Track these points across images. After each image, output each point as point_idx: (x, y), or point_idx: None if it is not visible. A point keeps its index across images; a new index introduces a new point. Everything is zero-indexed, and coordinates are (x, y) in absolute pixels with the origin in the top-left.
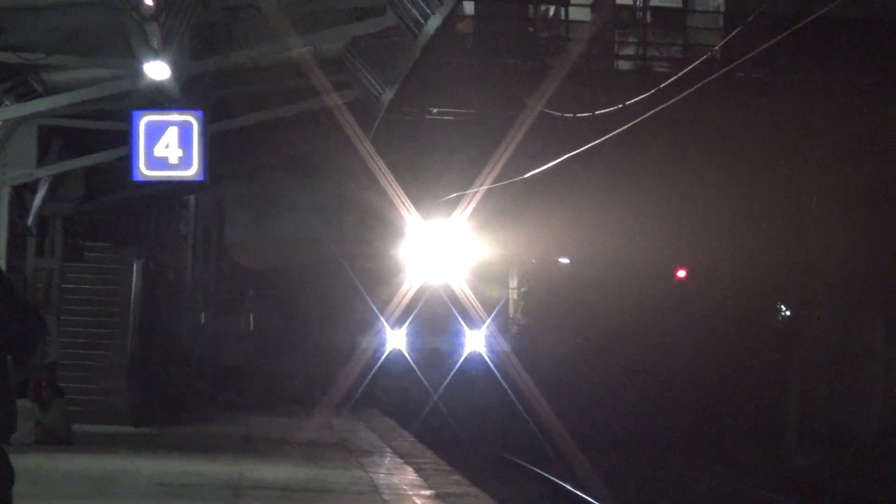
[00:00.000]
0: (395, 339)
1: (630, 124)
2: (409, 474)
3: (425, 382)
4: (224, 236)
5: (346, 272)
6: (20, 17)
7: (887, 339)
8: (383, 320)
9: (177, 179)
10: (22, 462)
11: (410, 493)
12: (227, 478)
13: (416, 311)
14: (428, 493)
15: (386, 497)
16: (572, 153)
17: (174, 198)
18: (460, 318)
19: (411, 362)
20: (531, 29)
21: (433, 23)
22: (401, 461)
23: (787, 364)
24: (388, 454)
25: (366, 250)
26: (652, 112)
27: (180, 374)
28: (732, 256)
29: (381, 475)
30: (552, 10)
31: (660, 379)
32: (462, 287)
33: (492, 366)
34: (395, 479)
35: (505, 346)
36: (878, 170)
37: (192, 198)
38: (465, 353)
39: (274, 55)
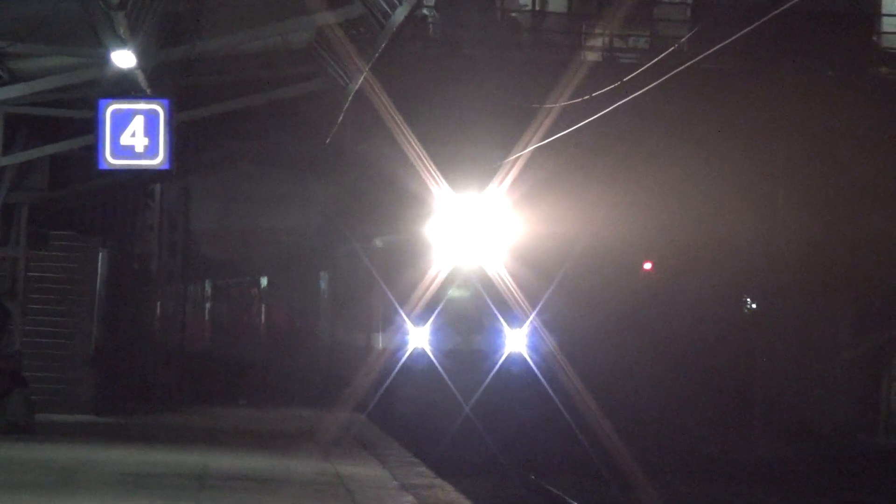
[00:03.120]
0: (418, 338)
1: (595, 116)
2: None
3: (454, 391)
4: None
5: (357, 257)
6: None
7: (853, 332)
8: (403, 314)
9: (143, 168)
10: None
11: None
12: (191, 467)
13: (443, 304)
14: None
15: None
16: (536, 145)
17: (140, 187)
18: (498, 312)
19: (438, 366)
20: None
21: (400, 13)
22: None
23: (752, 356)
24: None
25: (380, 230)
26: (616, 105)
27: (146, 363)
28: (701, 249)
29: None
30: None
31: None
32: (500, 274)
33: (537, 371)
34: None
35: (553, 347)
36: (845, 162)
37: (157, 187)
38: (504, 354)
39: (241, 44)
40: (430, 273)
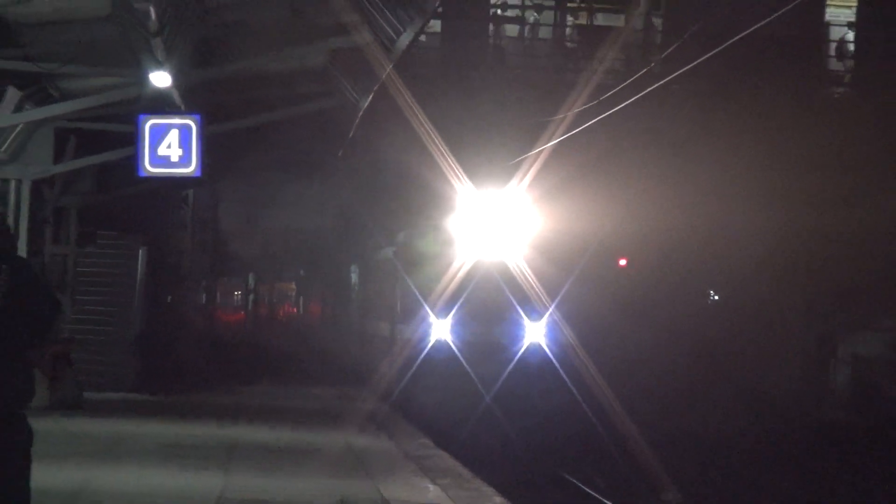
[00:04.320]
0: (441, 329)
1: (578, 129)
2: None
3: (476, 381)
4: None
5: (384, 254)
6: (39, 32)
7: (804, 320)
8: (426, 307)
9: (177, 176)
10: (38, 425)
11: None
12: (221, 439)
13: (464, 297)
14: None
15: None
16: (529, 154)
17: (175, 191)
18: (517, 305)
19: (459, 356)
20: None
21: (405, 39)
22: None
23: (716, 344)
24: None
25: (406, 227)
26: (596, 120)
27: (181, 347)
28: (671, 245)
29: None
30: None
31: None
32: (520, 268)
33: (555, 361)
34: None
35: (571, 338)
36: (797, 171)
37: (190, 192)
38: (524, 346)
39: (264, 66)
40: (453, 267)
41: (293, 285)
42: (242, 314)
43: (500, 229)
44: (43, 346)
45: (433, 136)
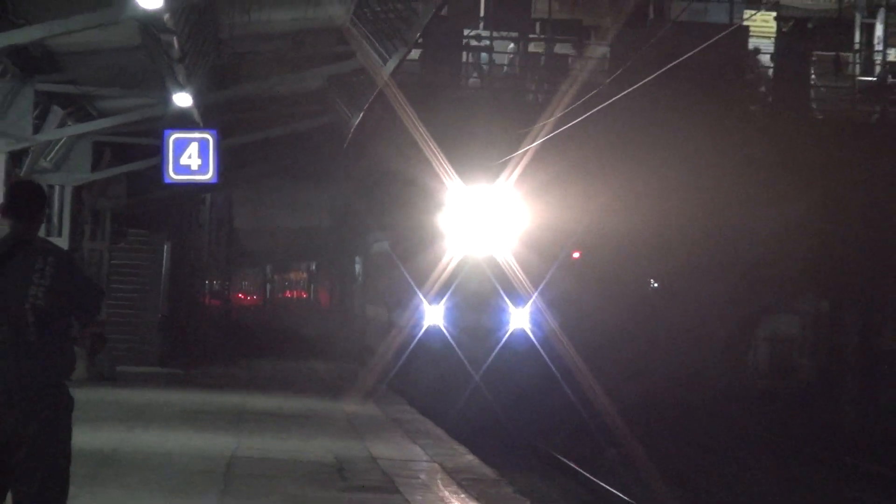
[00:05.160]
0: (433, 315)
1: (537, 143)
2: None
3: (465, 362)
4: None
5: (382, 246)
6: (79, 59)
7: (730, 304)
8: (420, 295)
9: (197, 182)
10: (78, 395)
11: None
12: (233, 406)
13: (455, 286)
14: None
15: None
16: (509, 157)
17: (195, 196)
18: (504, 294)
19: (451, 340)
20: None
21: (390, 65)
22: None
23: (656, 326)
24: None
25: (401, 221)
26: (554, 133)
27: (199, 328)
28: (619, 240)
29: None
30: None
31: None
32: (506, 259)
33: (537, 344)
34: None
35: (553, 324)
36: (725, 175)
37: (208, 196)
38: (510, 330)
39: (271, 89)
40: (444, 258)
41: (303, 275)
42: (255, 299)
43: (487, 223)
44: (85, 327)
45: (422, 140)
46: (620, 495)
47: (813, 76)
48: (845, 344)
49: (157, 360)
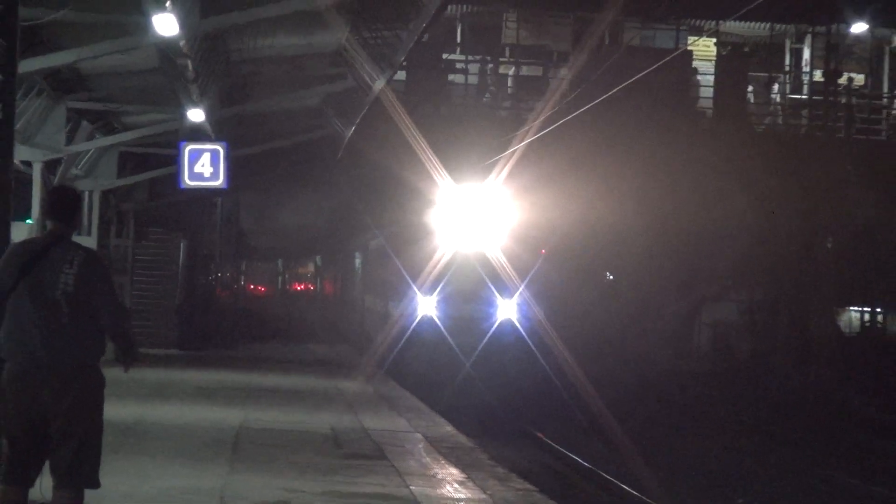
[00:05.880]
0: (427, 306)
1: (510, 151)
2: None
3: (457, 350)
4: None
5: (378, 241)
6: (106, 80)
7: (676, 294)
8: (415, 287)
9: (209, 188)
10: (106, 374)
11: None
12: (241, 383)
13: (447, 278)
14: None
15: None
16: (493, 159)
17: (207, 199)
18: (492, 286)
19: (443, 330)
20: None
21: (378, 84)
22: None
23: (612, 314)
24: None
25: (398, 219)
26: (523, 144)
27: (213, 315)
28: (578, 238)
29: None
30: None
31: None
32: (495, 254)
33: (523, 333)
34: None
35: (539, 315)
36: (673, 178)
37: (219, 199)
38: (498, 320)
39: (274, 106)
40: (437, 253)
41: (310, 269)
42: (268, 291)
43: (476, 220)
44: (114, 339)
45: (416, 142)
46: (578, 459)
47: (749, 93)
48: (777, 328)
49: (174, 343)
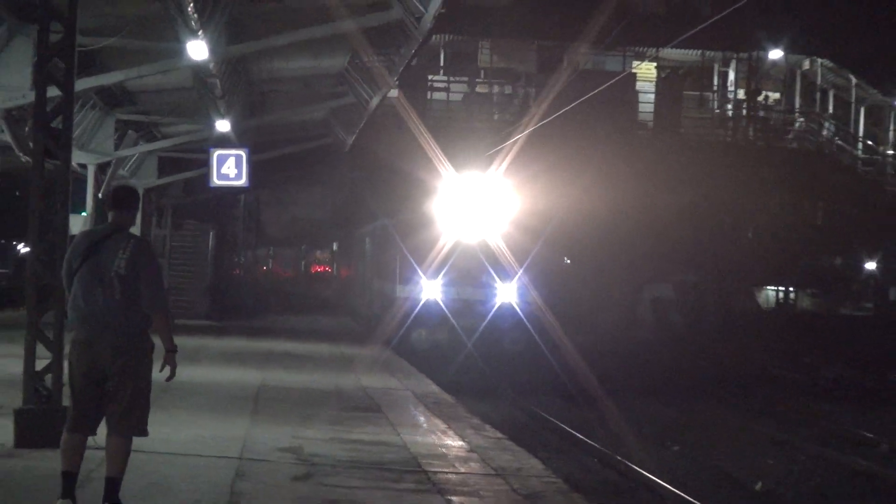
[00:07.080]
0: (431, 290)
1: (491, 151)
2: None
3: (459, 331)
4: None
5: (387, 230)
6: (148, 96)
7: (626, 277)
8: (420, 271)
9: (234, 186)
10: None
11: None
12: (263, 349)
13: (450, 263)
14: None
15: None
16: (489, 152)
17: (232, 196)
18: (493, 270)
19: (446, 312)
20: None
21: (375, 100)
22: None
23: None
24: None
25: (404, 207)
26: (506, 145)
27: (238, 292)
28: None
29: None
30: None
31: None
32: (495, 240)
33: (522, 315)
34: None
35: (537, 298)
36: (620, 180)
37: (242, 196)
38: (498, 303)
39: (288, 118)
40: (441, 239)
41: (322, 255)
42: (291, 273)
43: (478, 209)
44: (149, 316)
45: (421, 136)
46: (545, 415)
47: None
48: (706, 305)
49: (205, 315)
